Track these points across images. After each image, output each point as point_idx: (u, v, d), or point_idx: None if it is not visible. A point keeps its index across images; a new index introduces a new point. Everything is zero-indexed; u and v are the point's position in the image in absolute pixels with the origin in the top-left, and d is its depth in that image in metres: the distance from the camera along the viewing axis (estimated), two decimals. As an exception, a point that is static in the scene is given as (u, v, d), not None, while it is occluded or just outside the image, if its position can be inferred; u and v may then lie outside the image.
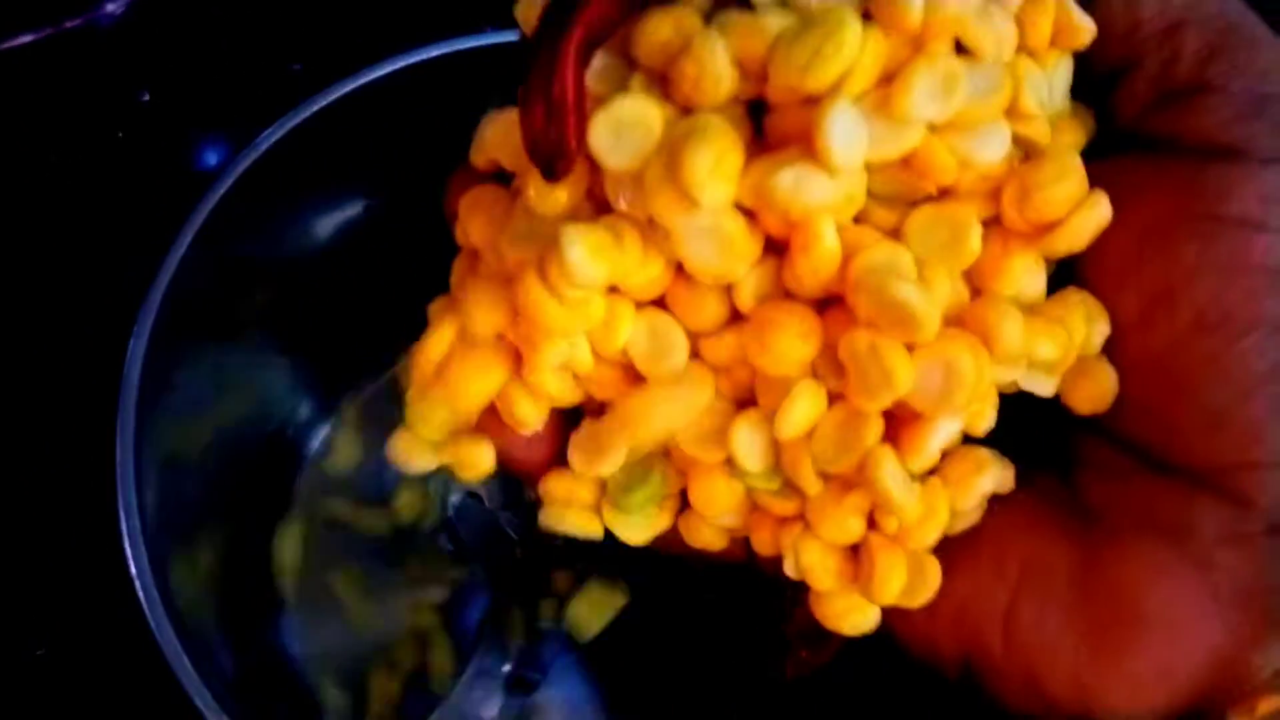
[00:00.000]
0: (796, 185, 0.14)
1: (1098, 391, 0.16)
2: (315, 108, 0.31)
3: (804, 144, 0.14)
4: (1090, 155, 0.16)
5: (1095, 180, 0.15)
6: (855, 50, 0.14)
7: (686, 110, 0.15)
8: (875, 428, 0.15)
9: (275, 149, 0.31)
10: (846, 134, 0.14)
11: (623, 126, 0.15)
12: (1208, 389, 0.14)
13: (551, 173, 0.15)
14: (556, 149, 0.15)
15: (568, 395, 0.18)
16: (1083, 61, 0.16)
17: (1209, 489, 0.15)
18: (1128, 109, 0.16)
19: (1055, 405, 0.16)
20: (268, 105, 0.42)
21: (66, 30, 0.40)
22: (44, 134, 0.41)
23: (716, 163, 0.14)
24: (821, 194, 0.14)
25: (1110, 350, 0.15)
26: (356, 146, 0.33)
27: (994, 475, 0.16)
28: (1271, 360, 0.14)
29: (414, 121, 0.34)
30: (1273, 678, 0.14)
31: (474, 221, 0.17)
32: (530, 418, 0.17)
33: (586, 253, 0.15)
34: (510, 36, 0.32)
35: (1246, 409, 0.14)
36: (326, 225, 0.36)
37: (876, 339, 0.15)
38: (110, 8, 0.41)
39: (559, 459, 0.18)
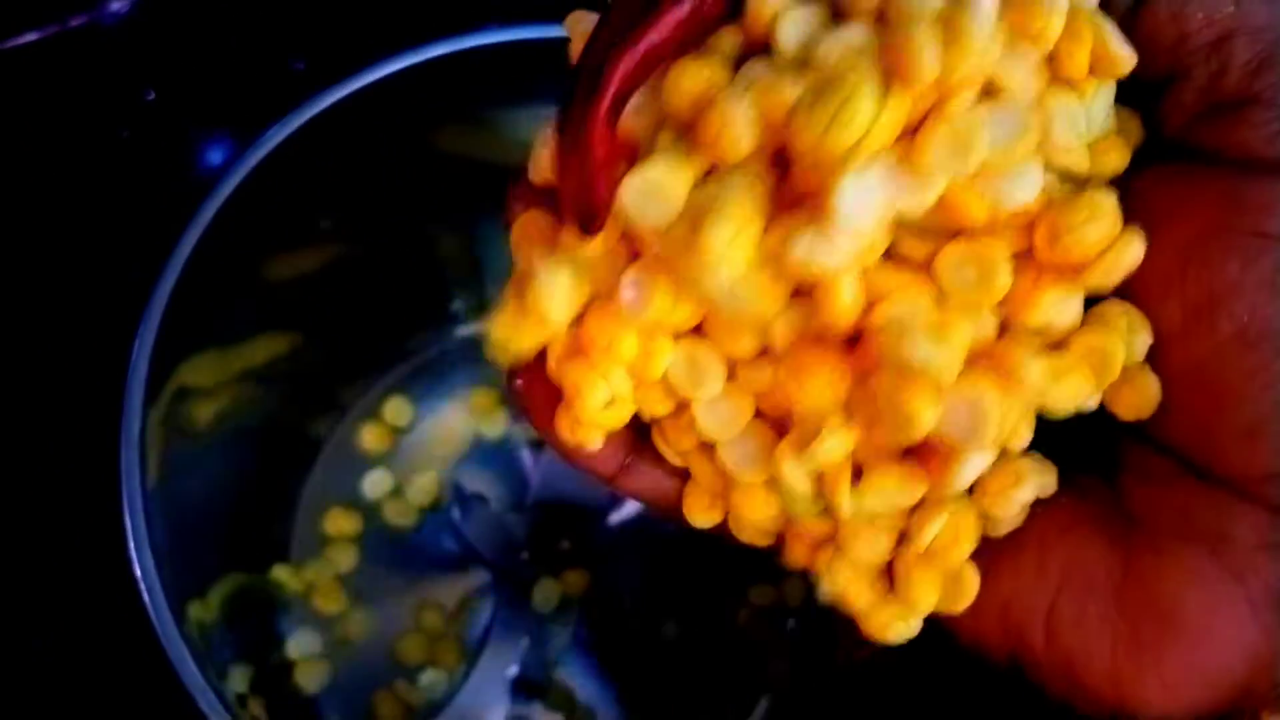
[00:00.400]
0: (811, 250, 0.15)
1: (1141, 399, 0.16)
2: (322, 105, 0.31)
3: (819, 206, 0.15)
4: (1137, 161, 0.16)
5: (1140, 189, 0.16)
6: (870, 117, 0.14)
7: (712, 163, 0.16)
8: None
9: (281, 148, 0.31)
10: (859, 200, 0.14)
11: (651, 189, 0.15)
12: (1246, 401, 0.15)
13: (586, 228, 0.16)
14: (588, 208, 0.16)
15: (617, 421, 0.18)
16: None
17: (1246, 498, 0.15)
18: (1174, 119, 0.16)
19: (1101, 409, 0.17)
20: (271, 103, 0.42)
21: (71, 29, 0.40)
22: (49, 132, 0.41)
23: (735, 235, 0.15)
24: (836, 257, 0.15)
25: (1153, 358, 0.16)
26: (361, 144, 0.33)
27: (1034, 484, 0.17)
28: None
29: (418, 119, 0.34)
30: None
31: (522, 247, 0.18)
32: (590, 440, 0.18)
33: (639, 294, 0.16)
34: (511, 34, 0.32)
35: None
36: (329, 227, 0.36)
37: (896, 383, 0.15)
38: (115, 6, 0.41)
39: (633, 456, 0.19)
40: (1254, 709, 0.15)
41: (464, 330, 0.42)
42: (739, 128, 0.15)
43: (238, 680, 0.32)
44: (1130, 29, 0.15)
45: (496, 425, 0.41)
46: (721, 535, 0.19)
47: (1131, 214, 0.16)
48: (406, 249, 0.38)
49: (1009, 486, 0.17)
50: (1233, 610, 0.15)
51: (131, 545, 0.28)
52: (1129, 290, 0.16)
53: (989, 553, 0.17)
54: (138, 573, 0.27)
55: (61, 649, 0.35)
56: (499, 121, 0.34)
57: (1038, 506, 0.17)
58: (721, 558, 0.36)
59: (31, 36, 0.40)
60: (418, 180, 0.36)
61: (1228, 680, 0.15)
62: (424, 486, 0.40)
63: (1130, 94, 0.16)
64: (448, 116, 0.34)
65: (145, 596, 0.27)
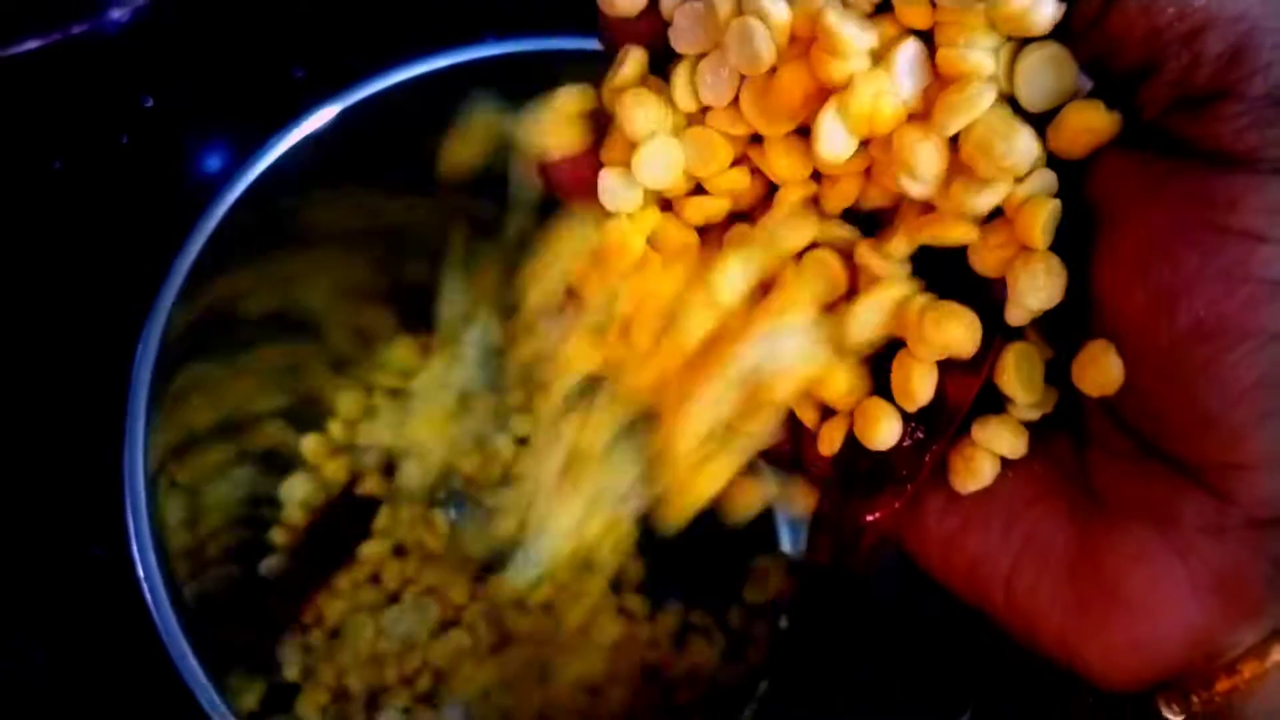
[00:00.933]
0: None
1: (1104, 378, 0.16)
2: (325, 113, 0.32)
3: None
4: (1120, 143, 0.16)
5: (1115, 174, 0.16)
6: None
7: None
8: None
9: (282, 157, 0.31)
10: None
11: None
12: (1200, 393, 0.15)
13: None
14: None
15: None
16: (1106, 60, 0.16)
17: (1195, 482, 0.16)
18: (1149, 110, 0.16)
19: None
20: (270, 111, 0.43)
21: (73, 36, 0.41)
22: (49, 137, 0.42)
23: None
24: None
25: (1118, 341, 0.16)
26: (363, 150, 0.34)
27: (1009, 442, 0.18)
28: (1260, 371, 0.14)
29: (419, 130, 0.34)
30: (1239, 657, 0.16)
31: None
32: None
33: None
34: (508, 46, 0.33)
35: (1233, 415, 0.15)
36: (333, 230, 0.36)
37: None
38: (116, 15, 0.41)
39: None
40: (1188, 683, 0.16)
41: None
42: None
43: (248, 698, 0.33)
44: (1103, 21, 0.15)
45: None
46: None
47: (1105, 197, 0.16)
48: (407, 256, 0.39)
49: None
50: (1174, 589, 0.16)
51: (134, 545, 0.28)
52: (1098, 275, 0.16)
53: (963, 512, 0.18)
54: (140, 575, 0.28)
55: (66, 656, 0.35)
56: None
57: (1009, 470, 0.18)
58: (715, 560, 0.37)
59: (34, 44, 0.40)
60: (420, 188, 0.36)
61: (1166, 654, 0.16)
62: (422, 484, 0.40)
63: (1109, 83, 0.16)
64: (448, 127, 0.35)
65: (148, 595, 0.28)
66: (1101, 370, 0.16)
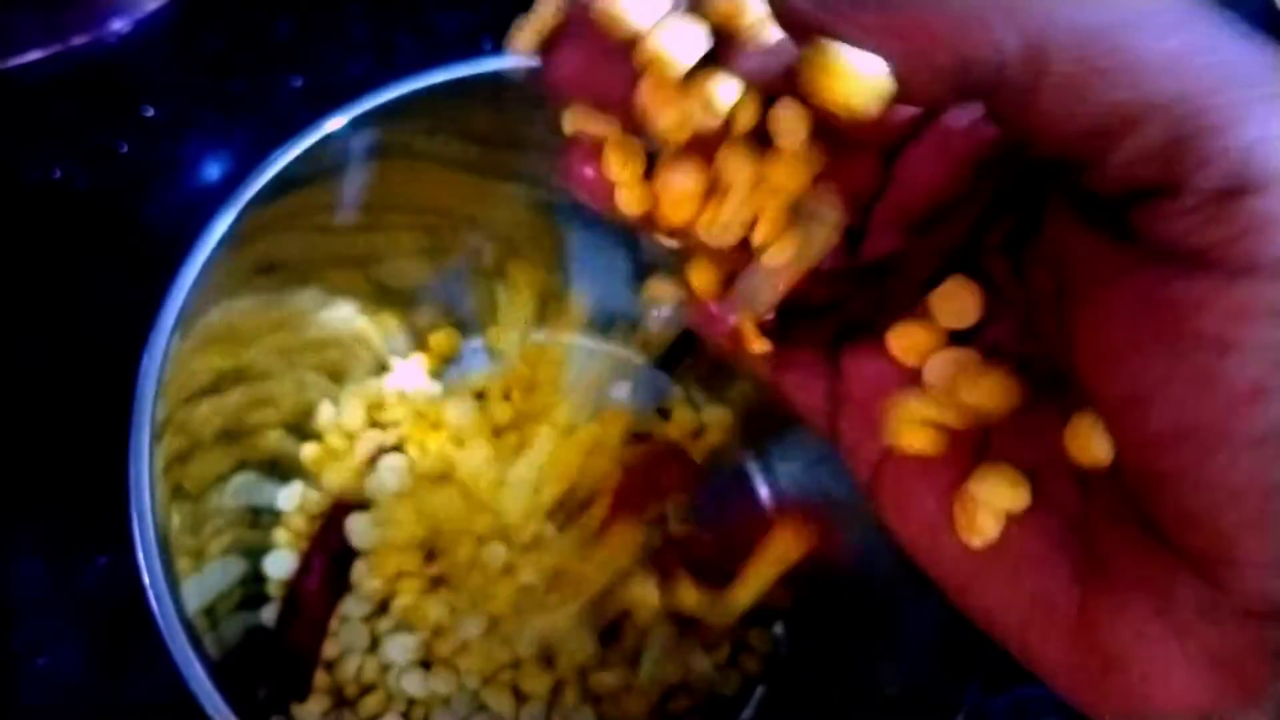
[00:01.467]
0: None
1: (1090, 454, 0.16)
2: (334, 121, 0.32)
3: None
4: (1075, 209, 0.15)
5: (1072, 247, 0.15)
6: None
7: None
8: None
9: (287, 167, 0.31)
10: None
11: None
12: (1185, 494, 0.14)
13: None
14: None
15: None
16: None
17: (1191, 567, 0.15)
18: (1098, 200, 0.14)
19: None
20: (268, 121, 0.43)
21: (74, 47, 0.41)
22: (50, 145, 0.42)
23: None
24: None
25: (1105, 420, 0.16)
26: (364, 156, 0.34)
27: (1009, 495, 0.18)
28: (1245, 476, 0.14)
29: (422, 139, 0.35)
30: None
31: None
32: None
33: None
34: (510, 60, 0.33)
35: (1221, 518, 0.14)
36: (337, 235, 0.37)
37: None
38: (117, 26, 0.42)
39: None
40: None
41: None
42: None
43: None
44: (1023, 118, 0.14)
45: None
46: None
47: (1064, 266, 0.16)
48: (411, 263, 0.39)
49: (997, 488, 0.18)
50: (1173, 667, 0.15)
51: (140, 551, 0.28)
52: (1072, 346, 0.16)
53: (972, 568, 0.18)
54: (146, 581, 0.28)
55: (63, 655, 0.36)
56: (501, 142, 0.35)
57: (1013, 527, 0.18)
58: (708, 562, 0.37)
59: (36, 54, 0.41)
60: (421, 196, 0.37)
61: None
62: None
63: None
64: (452, 136, 0.35)
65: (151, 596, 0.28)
66: (1087, 446, 0.16)
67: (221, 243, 0.31)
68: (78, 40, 0.41)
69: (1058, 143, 0.14)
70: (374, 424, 0.40)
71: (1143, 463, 0.15)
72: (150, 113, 0.43)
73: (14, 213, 0.41)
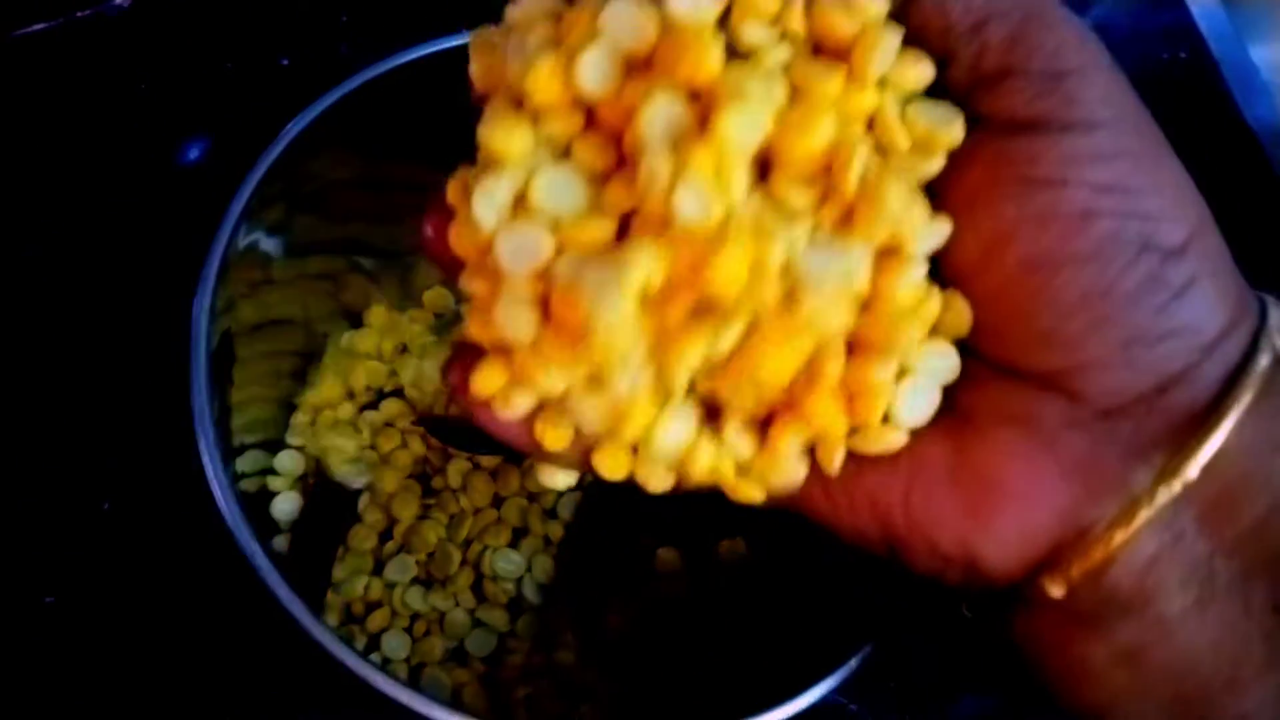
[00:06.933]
0: None
1: (957, 321, 0.19)
2: (333, 97, 0.34)
3: None
4: None
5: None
6: None
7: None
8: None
9: (289, 146, 0.33)
10: None
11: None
12: (1036, 315, 0.18)
13: None
14: None
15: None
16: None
17: (1049, 388, 0.18)
18: (952, 93, 0.18)
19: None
20: (254, 101, 0.44)
21: (77, 19, 0.43)
22: (52, 116, 0.44)
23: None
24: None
25: (963, 287, 0.19)
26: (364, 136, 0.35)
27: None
28: (1081, 288, 0.17)
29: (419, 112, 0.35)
30: (1108, 526, 0.18)
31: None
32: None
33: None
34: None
35: (1068, 327, 0.18)
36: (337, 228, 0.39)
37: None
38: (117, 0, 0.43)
39: None
40: (1066, 560, 0.18)
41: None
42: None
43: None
44: (904, 19, 0.18)
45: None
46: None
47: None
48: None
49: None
50: (1045, 476, 0.18)
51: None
52: (955, 217, 0.19)
53: (855, 460, 0.20)
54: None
55: (68, 597, 0.38)
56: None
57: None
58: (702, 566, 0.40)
59: (39, 26, 0.42)
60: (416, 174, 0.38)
61: (1044, 536, 0.18)
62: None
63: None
64: (440, 114, 0.36)
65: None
66: (954, 314, 0.19)
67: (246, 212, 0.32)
68: (81, 13, 0.43)
69: (932, 37, 0.18)
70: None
71: (1001, 301, 0.18)
72: (144, 88, 0.44)
73: (16, 181, 0.42)
